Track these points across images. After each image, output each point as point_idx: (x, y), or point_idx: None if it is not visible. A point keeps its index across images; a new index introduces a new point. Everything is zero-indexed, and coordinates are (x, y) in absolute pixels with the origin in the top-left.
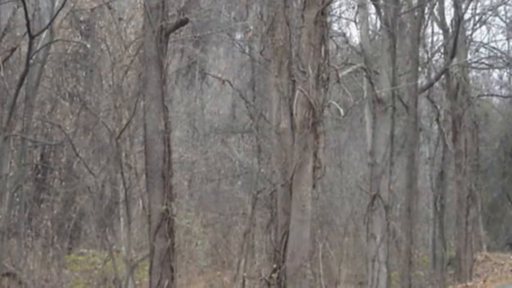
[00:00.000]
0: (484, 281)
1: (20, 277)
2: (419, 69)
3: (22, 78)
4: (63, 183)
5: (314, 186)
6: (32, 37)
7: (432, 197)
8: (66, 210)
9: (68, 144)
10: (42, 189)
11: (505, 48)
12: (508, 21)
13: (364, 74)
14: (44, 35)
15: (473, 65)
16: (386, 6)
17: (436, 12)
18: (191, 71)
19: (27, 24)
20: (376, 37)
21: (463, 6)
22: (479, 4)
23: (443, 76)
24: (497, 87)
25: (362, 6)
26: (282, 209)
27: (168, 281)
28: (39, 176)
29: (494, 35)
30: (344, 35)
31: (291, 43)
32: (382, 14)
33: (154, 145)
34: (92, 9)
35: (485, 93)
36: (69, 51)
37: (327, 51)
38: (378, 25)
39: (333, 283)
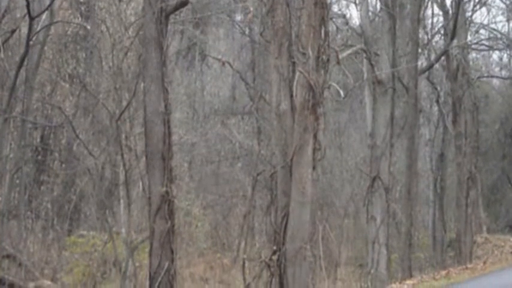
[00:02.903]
0: (484, 262)
1: (20, 259)
2: (419, 50)
3: (22, 60)
4: (63, 165)
5: (314, 168)
6: (32, 18)
7: (432, 178)
8: (66, 192)
9: (68, 126)
10: (42, 171)
11: (505, 29)
12: (508, 2)
13: (364, 55)
14: (43, 16)
15: (473, 46)
16: None
17: None
18: (191, 52)
19: (27, 6)
20: (376, 18)
21: None
22: None
23: (443, 57)
24: (497, 69)
25: None
26: (282, 190)
27: (168, 262)
28: (39, 157)
29: (494, 17)
30: (344, 16)
31: (291, 24)
32: None
33: (154, 127)
34: None
35: (485, 75)
36: (69, 32)
37: (326, 33)
38: (378, 6)
39: (333, 265)
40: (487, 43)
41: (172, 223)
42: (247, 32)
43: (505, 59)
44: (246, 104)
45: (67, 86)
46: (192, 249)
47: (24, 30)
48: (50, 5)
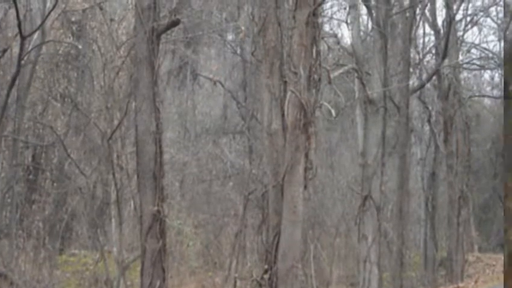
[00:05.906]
0: (476, 281)
1: (12, 278)
2: (411, 70)
3: (13, 79)
4: (55, 184)
5: (305, 187)
6: (23, 38)
7: (424, 197)
8: (58, 211)
9: (60, 145)
10: (34, 190)
11: (497, 49)
12: (499, 22)
13: (356, 74)
14: (35, 35)
15: (464, 65)
16: (377, 7)
17: (427, 13)
18: (183, 71)
19: (19, 25)
20: (368, 38)
21: (455, 7)
22: (470, 5)
23: (434, 77)
24: (488, 88)
25: (353, 7)
26: (274, 209)
27: (160, 281)
28: (31, 176)
29: (485, 36)
30: (335, 35)
31: (282, 44)
32: (374, 14)
33: (145, 146)
34: (84, 10)
35: (477, 94)
36: (60, 52)
37: (318, 52)
38: (370, 26)
39: (324, 284)
40: (478, 62)
41: (163, 242)
42: (238, 51)
43: (497, 78)
44: (237, 123)
45: (58, 105)
46: (183, 268)
47: (16, 49)
48: (41, 25)
